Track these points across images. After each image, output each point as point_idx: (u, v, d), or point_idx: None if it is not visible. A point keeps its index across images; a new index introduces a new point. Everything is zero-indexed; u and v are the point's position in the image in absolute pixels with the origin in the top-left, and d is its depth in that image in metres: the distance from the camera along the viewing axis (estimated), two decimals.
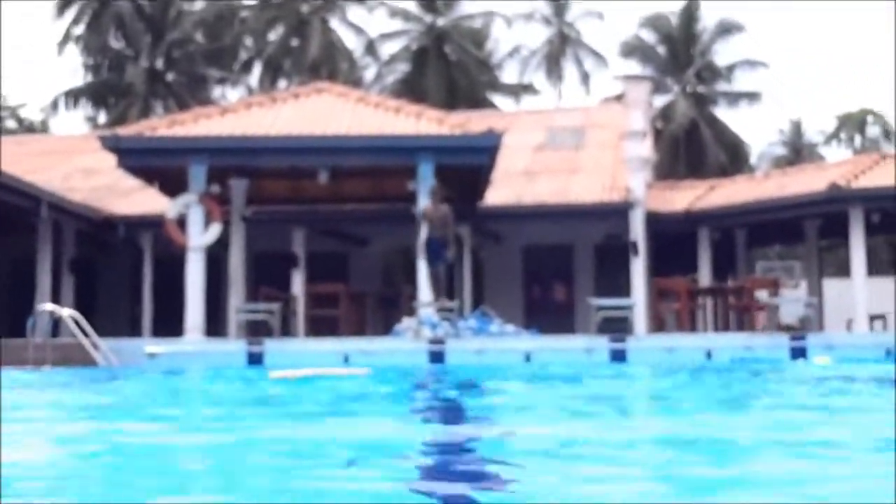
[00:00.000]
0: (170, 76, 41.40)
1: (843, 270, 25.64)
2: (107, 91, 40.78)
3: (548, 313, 21.79)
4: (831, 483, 3.74)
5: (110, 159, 18.06)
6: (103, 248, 22.26)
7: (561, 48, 42.94)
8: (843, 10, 76.14)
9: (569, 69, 43.06)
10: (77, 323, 13.34)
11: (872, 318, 19.98)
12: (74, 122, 56.08)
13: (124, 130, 18.63)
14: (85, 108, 40.94)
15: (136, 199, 21.44)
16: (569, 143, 24.86)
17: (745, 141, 43.07)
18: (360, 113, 17.64)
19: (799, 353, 13.80)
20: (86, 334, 13.30)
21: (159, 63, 40.94)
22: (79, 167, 24.46)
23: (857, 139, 49.73)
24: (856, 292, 19.42)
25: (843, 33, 79.37)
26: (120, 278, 22.92)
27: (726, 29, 41.51)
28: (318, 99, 18.32)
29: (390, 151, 16.80)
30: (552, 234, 22.48)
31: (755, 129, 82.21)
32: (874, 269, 22.26)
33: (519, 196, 21.43)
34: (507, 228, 21.87)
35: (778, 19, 78.99)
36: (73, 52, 41.25)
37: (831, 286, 24.69)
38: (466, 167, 17.06)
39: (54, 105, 40.01)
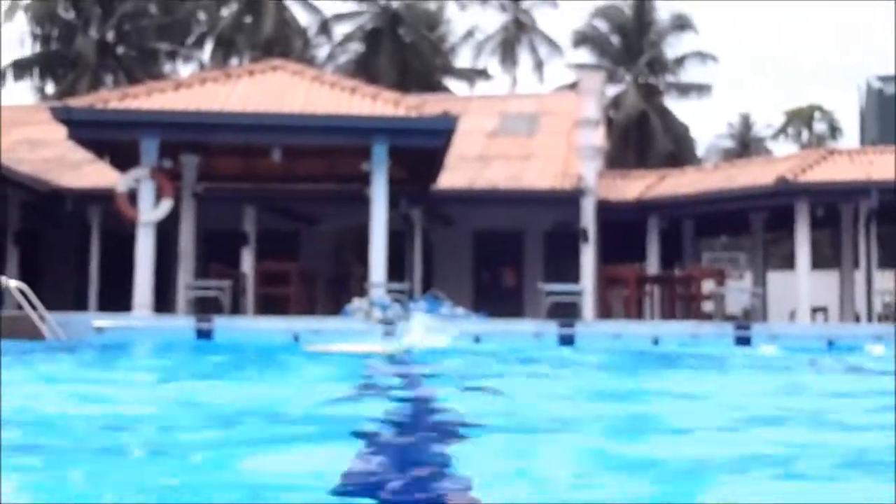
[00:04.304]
0: (120, 49, 40.82)
1: (787, 263, 26.07)
2: (56, 62, 40.10)
3: (497, 298, 21.91)
4: None
5: (59, 131, 17.82)
6: (50, 221, 21.96)
7: (516, 34, 43.01)
8: (793, 8, 77.10)
9: (523, 56, 43.18)
10: (24, 295, 13.18)
11: (815, 310, 20.37)
12: (21, 93, 54.99)
13: (75, 102, 18.36)
14: (33, 79, 40.22)
15: (86, 172, 21.16)
16: (522, 130, 24.97)
17: (694, 132, 43.59)
18: (315, 92, 17.56)
19: (743, 341, 14.05)
20: (33, 307, 13.15)
21: (110, 35, 40.33)
22: (25, 138, 24.07)
23: (805, 134, 50.51)
24: (799, 284, 19.77)
25: (793, 30, 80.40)
26: (66, 252, 22.63)
27: (679, 25, 41.89)
28: (273, 76, 18.20)
29: (345, 131, 16.76)
30: (503, 220, 22.59)
31: (704, 121, 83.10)
32: (817, 262, 22.68)
33: (471, 181, 21.50)
34: (459, 212, 21.94)
35: (729, 14, 79.76)
36: (21, 21, 40.47)
37: (775, 278, 25.11)
38: (421, 150, 17.08)
39: (1, 75, 39.26)
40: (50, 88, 40.31)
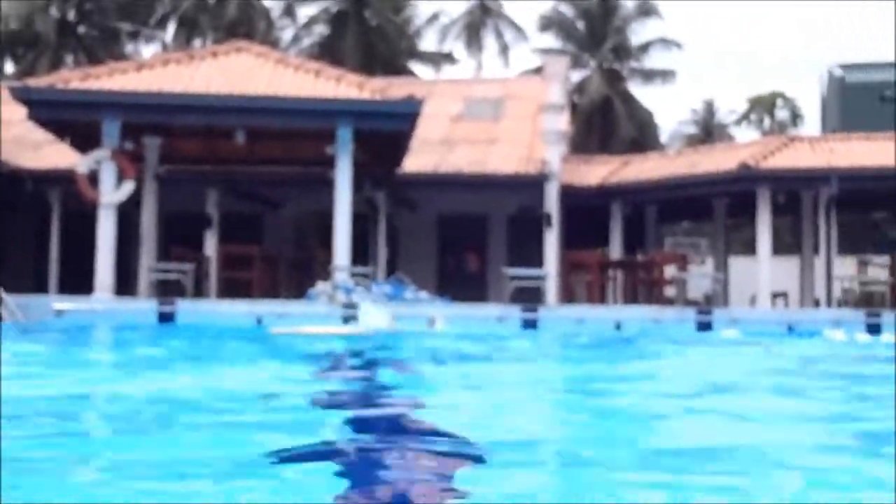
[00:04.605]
0: (81, 28, 40.32)
1: (749, 249, 26.29)
2: (15, 41, 39.53)
3: (461, 282, 21.92)
4: None
5: (18, 111, 17.59)
6: (9, 203, 21.67)
7: (481, 18, 42.94)
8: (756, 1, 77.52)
9: (488, 40, 43.12)
10: None
11: (775, 295, 20.57)
12: None
13: (36, 82, 18.14)
14: None
15: (45, 153, 20.90)
16: (487, 114, 24.95)
17: (657, 119, 43.76)
18: (279, 74, 17.45)
19: (705, 326, 14.18)
20: None
21: (71, 14, 39.83)
22: None
23: (767, 121, 50.89)
24: (760, 270, 19.94)
25: (757, 22, 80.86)
26: (26, 234, 22.37)
27: (644, 11, 41.99)
28: (237, 58, 18.06)
29: (310, 114, 16.68)
30: (467, 204, 22.60)
31: (668, 107, 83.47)
32: (778, 248, 22.89)
33: (436, 165, 21.48)
34: (424, 196, 21.90)
35: (694, 3, 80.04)
36: None
37: (737, 263, 25.33)
38: (385, 133, 17.04)
39: None
40: (9, 68, 39.74)
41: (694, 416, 4.91)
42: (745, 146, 23.99)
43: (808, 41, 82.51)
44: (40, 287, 20.25)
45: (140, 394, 5.47)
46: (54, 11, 39.14)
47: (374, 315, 12.98)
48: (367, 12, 41.32)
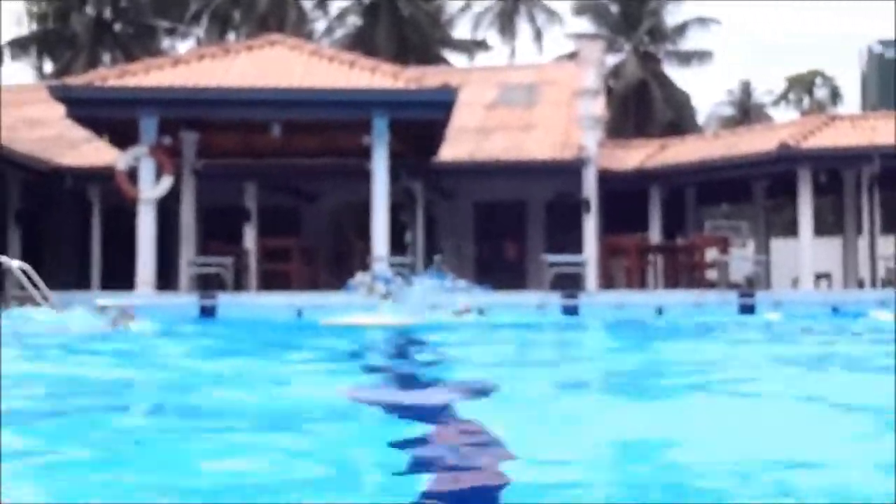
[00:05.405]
0: (117, 26, 40.60)
1: (789, 230, 26.01)
2: (53, 40, 39.90)
3: (499, 270, 21.86)
4: None
5: (57, 110, 17.74)
6: (50, 200, 21.90)
7: (514, 5, 42.74)
8: None
9: (522, 26, 42.91)
10: (27, 275, 13.14)
11: (818, 276, 20.33)
12: (20, 73, 54.78)
13: (73, 80, 18.28)
14: (30, 59, 40.03)
15: (85, 150, 21.09)
16: (522, 101, 24.84)
17: (694, 100, 43.36)
18: (313, 66, 17.46)
19: (748, 309, 14.03)
20: (35, 286, 13.11)
21: (107, 13, 40.12)
22: (24, 117, 23.96)
23: (806, 101, 50.27)
24: (802, 251, 19.71)
25: None
26: (67, 231, 22.59)
27: None
28: (271, 51, 18.10)
29: (345, 105, 16.67)
30: (504, 191, 22.51)
31: (704, 88, 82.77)
32: (820, 229, 22.64)
33: (472, 153, 21.42)
34: (460, 185, 21.85)
35: None
36: (18, 1, 40.24)
37: (778, 245, 25.06)
38: (421, 122, 17.00)
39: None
40: (48, 67, 40.14)
41: None
42: (784, 126, 23.71)
43: (846, 18, 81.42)
44: (83, 283, 20.45)
45: None
46: (90, 10, 39.43)
47: (391, 312, 12.92)
48: (400, 2, 41.25)
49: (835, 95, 49.64)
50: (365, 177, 16.61)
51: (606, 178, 21.07)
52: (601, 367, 7.31)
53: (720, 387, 5.57)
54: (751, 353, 8.20)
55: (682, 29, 42.11)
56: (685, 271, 19.72)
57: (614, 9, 42.67)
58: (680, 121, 40.06)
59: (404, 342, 9.77)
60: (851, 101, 50.22)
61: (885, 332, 10.57)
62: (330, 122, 17.49)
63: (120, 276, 17.11)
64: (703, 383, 5.73)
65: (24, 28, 40.12)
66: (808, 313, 13.17)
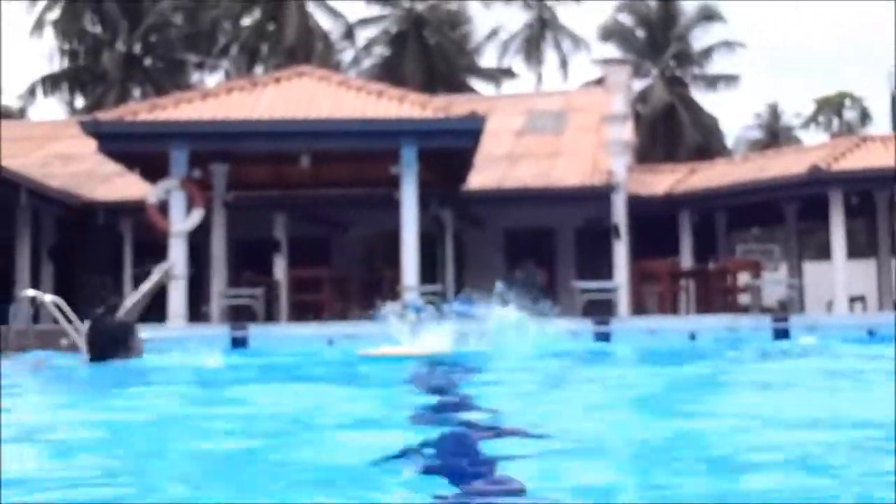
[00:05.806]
0: (147, 61, 41.09)
1: (822, 253, 25.80)
2: (84, 76, 40.42)
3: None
4: None
5: (89, 145, 17.94)
6: (83, 235, 22.10)
7: (540, 32, 42.88)
8: None
9: (548, 53, 43.03)
10: (60, 308, 13.22)
11: (852, 299, 20.12)
12: (52, 109, 55.48)
13: (104, 115, 18.48)
14: (62, 94, 40.57)
15: (116, 184, 21.28)
16: (549, 127, 24.86)
17: (721, 124, 43.22)
18: (342, 96, 17.56)
19: (782, 334, 13.88)
20: (69, 320, 13.18)
21: (137, 48, 40.61)
22: (57, 153, 24.26)
23: (835, 122, 49.97)
24: (836, 274, 19.53)
25: (823, 17, 79.70)
26: (100, 264, 22.75)
27: (706, 16, 41.54)
28: (299, 82, 18.23)
29: (373, 135, 16.75)
30: (534, 218, 22.49)
31: (732, 112, 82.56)
32: (853, 251, 22.42)
33: (500, 180, 21.42)
34: (489, 212, 21.86)
35: (756, 2, 79.22)
36: (49, 38, 40.81)
37: (811, 268, 24.84)
38: (450, 151, 17.03)
39: (31, 91, 39.63)
40: (79, 102, 40.63)
41: None
42: (814, 149, 23.56)
43: (874, 38, 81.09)
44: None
45: None
46: (120, 46, 39.93)
47: (424, 342, 12.85)
48: (427, 31, 41.52)
49: (864, 116, 49.31)
50: (394, 206, 16.65)
51: (636, 204, 21.01)
52: (644, 394, 7.23)
53: (771, 413, 5.49)
54: (797, 377, 8.09)
55: (708, 53, 42.06)
56: (717, 296, 19.57)
57: (640, 34, 42.71)
58: (708, 145, 39.93)
59: (439, 372, 9.72)
60: (881, 121, 49.89)
61: None
62: (359, 152, 17.56)
63: (152, 308, 17.18)
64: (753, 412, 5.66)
65: (56, 65, 40.69)
66: (844, 336, 13.01)
